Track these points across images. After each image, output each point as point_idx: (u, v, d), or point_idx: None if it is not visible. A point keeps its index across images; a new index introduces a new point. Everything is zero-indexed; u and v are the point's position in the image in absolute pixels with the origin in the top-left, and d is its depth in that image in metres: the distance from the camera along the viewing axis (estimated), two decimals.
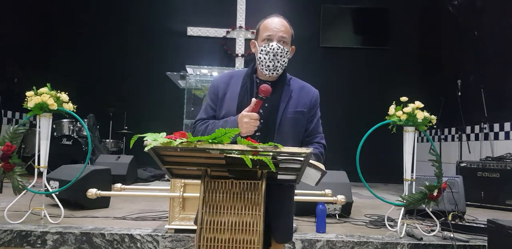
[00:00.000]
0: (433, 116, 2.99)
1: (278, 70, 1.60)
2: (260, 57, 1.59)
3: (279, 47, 1.57)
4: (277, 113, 1.58)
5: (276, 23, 1.61)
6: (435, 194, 2.87)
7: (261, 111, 1.55)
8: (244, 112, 1.50)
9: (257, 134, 1.56)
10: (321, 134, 1.70)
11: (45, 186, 3.10)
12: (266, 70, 1.59)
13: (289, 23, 1.66)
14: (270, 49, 1.57)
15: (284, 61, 1.60)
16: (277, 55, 1.57)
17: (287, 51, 1.61)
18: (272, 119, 1.57)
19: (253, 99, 1.52)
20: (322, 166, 1.46)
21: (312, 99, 1.69)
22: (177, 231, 2.79)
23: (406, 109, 2.95)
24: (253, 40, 1.68)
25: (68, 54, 7.71)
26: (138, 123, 7.10)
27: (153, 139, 1.17)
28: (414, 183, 3.10)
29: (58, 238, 2.74)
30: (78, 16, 7.78)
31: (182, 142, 1.16)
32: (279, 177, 1.44)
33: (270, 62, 1.58)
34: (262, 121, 1.54)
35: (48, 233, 2.74)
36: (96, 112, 6.58)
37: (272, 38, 1.59)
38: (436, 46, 7.51)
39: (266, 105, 1.57)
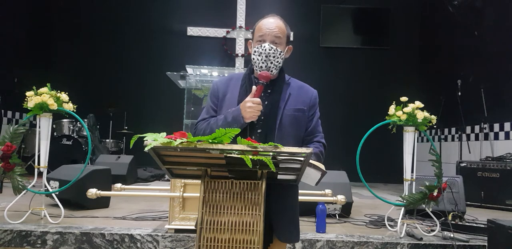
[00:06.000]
0: (433, 116, 2.99)
1: (271, 71, 1.60)
2: (253, 58, 1.61)
3: (271, 48, 1.58)
4: (277, 110, 1.59)
5: (269, 24, 1.61)
6: (435, 194, 2.87)
7: (261, 108, 1.55)
8: (246, 98, 1.52)
9: (258, 131, 1.57)
10: (321, 133, 1.71)
11: (45, 186, 3.10)
12: (260, 70, 1.60)
13: (285, 23, 1.66)
14: (263, 50, 1.58)
15: (277, 61, 1.60)
16: (270, 56, 1.58)
17: (280, 52, 1.61)
18: (273, 117, 1.58)
19: (254, 87, 1.54)
20: (322, 166, 1.46)
21: (311, 98, 1.70)
22: (177, 231, 2.79)
23: (406, 109, 2.95)
24: (250, 41, 1.69)
25: (68, 54, 7.71)
26: (138, 123, 7.11)
27: (153, 139, 1.17)
28: (414, 183, 3.10)
29: (58, 238, 2.74)
30: (78, 16, 7.78)
31: (182, 142, 1.16)
32: (279, 177, 1.44)
33: (262, 63, 1.59)
34: (262, 118, 1.55)
35: (48, 233, 2.74)
36: (96, 112, 6.58)
37: (264, 39, 1.60)
38: (436, 46, 7.51)
39: (266, 103, 1.58)
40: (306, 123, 1.66)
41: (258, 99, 1.50)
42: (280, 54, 1.60)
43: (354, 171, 3.05)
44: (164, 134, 1.21)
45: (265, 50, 1.57)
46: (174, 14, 7.87)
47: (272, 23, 1.61)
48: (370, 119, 3.56)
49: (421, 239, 2.80)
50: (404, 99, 2.99)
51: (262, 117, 1.55)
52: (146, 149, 1.16)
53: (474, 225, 3.05)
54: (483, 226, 2.94)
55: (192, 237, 2.73)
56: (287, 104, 1.62)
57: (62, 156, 5.57)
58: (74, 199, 3.50)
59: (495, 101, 5.36)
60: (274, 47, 1.58)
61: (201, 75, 4.90)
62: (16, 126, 2.99)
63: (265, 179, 1.31)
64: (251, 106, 1.49)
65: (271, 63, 1.59)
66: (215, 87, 1.70)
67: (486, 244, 2.55)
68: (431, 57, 7.72)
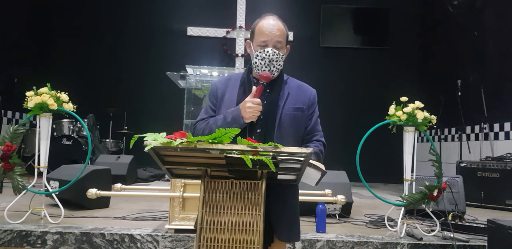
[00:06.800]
0: (433, 116, 2.99)
1: (274, 74, 1.61)
2: (255, 62, 1.60)
3: (275, 52, 1.58)
4: (276, 110, 1.59)
5: (271, 27, 1.59)
6: (435, 194, 2.87)
7: (261, 109, 1.55)
8: (246, 99, 1.52)
9: (257, 131, 1.57)
10: (320, 132, 1.71)
11: (45, 186, 3.10)
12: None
13: (284, 23, 1.65)
14: (266, 55, 1.57)
15: (279, 64, 1.61)
16: (273, 60, 1.58)
17: (282, 55, 1.61)
18: (272, 116, 1.58)
19: (254, 87, 1.54)
20: (322, 166, 1.46)
21: (310, 97, 1.70)
22: (177, 231, 2.79)
23: (406, 109, 2.95)
24: (248, 41, 1.68)
25: (68, 54, 7.71)
26: (138, 123, 7.10)
27: (153, 139, 1.17)
28: (414, 183, 3.10)
29: (58, 238, 2.74)
30: (78, 16, 7.78)
31: (182, 142, 1.16)
32: (279, 177, 1.44)
33: (266, 67, 1.59)
34: (261, 117, 1.55)
35: (48, 233, 2.74)
36: (96, 112, 6.58)
37: (267, 44, 1.59)
38: (436, 46, 7.51)
39: (265, 102, 1.58)
40: (305, 122, 1.66)
41: (258, 100, 1.51)
42: (282, 57, 1.61)
43: (354, 171, 3.04)
44: (164, 134, 1.21)
45: (269, 55, 1.57)
46: (174, 14, 7.87)
47: (273, 26, 1.60)
48: (370, 119, 3.56)
49: (421, 239, 2.80)
50: (404, 99, 2.99)
51: (261, 117, 1.55)
52: (146, 149, 1.16)
53: (474, 225, 3.05)
54: (483, 226, 2.94)
55: (192, 237, 2.73)
56: (286, 103, 1.62)
57: (62, 156, 5.57)
58: (74, 199, 3.50)
59: (495, 101, 5.36)
60: (277, 52, 1.58)
61: (201, 75, 4.90)
62: (16, 126, 2.99)
63: (265, 179, 1.31)
64: (251, 106, 1.49)
65: (274, 66, 1.60)
66: (214, 87, 1.70)
67: (486, 244, 2.55)
68: (431, 57, 7.72)
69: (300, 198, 3.17)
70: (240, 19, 7.72)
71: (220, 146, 1.17)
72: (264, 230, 1.28)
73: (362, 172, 2.93)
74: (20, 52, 6.78)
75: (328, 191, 3.27)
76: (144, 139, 1.17)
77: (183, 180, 2.82)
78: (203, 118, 1.66)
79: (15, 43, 6.66)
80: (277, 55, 1.58)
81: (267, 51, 1.57)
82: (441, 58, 7.26)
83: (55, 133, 6.11)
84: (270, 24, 1.60)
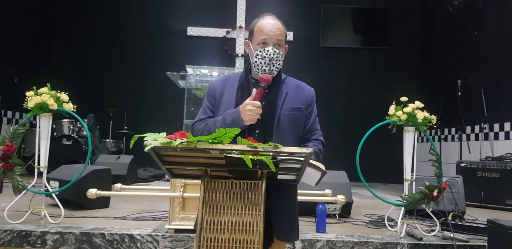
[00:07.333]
0: (433, 116, 2.99)
1: (274, 73, 1.61)
2: (256, 61, 1.60)
3: (275, 51, 1.58)
4: (275, 110, 1.59)
5: (271, 26, 1.60)
6: (435, 194, 2.87)
7: (261, 112, 1.55)
8: (246, 101, 1.52)
9: (256, 131, 1.57)
10: (319, 131, 1.70)
11: (45, 186, 3.10)
12: (262, 73, 1.60)
13: (282, 23, 1.65)
14: (266, 54, 1.57)
15: (279, 64, 1.61)
16: (273, 59, 1.58)
17: (282, 55, 1.61)
18: (271, 117, 1.57)
19: (254, 89, 1.54)
20: (322, 166, 1.46)
21: (308, 96, 1.69)
22: (177, 231, 2.79)
23: (406, 109, 2.95)
24: (247, 40, 1.67)
25: (68, 54, 7.72)
26: (138, 123, 7.11)
27: (153, 139, 1.17)
28: (414, 183, 3.10)
29: (58, 238, 2.74)
30: (78, 16, 7.79)
31: (182, 142, 1.16)
32: (279, 177, 1.44)
33: (266, 66, 1.59)
34: (260, 118, 1.55)
35: (48, 233, 2.74)
36: (96, 112, 6.58)
37: (267, 42, 1.59)
38: (436, 46, 7.51)
39: (264, 103, 1.57)
40: (304, 121, 1.66)
41: (258, 102, 1.50)
42: (282, 57, 1.61)
43: (354, 171, 3.04)
44: (164, 134, 1.21)
45: (269, 54, 1.57)
46: (174, 14, 7.88)
47: (273, 25, 1.60)
48: (370, 119, 3.56)
49: (421, 239, 2.80)
50: (404, 99, 2.99)
51: (260, 117, 1.54)
52: (146, 149, 1.16)
53: (474, 225, 3.05)
54: (483, 226, 2.94)
55: (192, 237, 2.73)
56: (285, 103, 1.61)
57: (62, 156, 5.57)
58: (74, 199, 3.50)
59: (495, 101, 5.36)
60: (277, 51, 1.58)
61: (201, 75, 4.90)
62: (16, 126, 2.99)
63: (265, 179, 1.31)
64: (251, 109, 1.49)
65: (273, 65, 1.59)
66: (211, 87, 1.69)
67: (486, 244, 2.55)
68: (431, 57, 7.72)
69: (300, 198, 3.16)
70: (240, 19, 7.72)
71: (220, 146, 1.17)
72: (264, 230, 1.28)
73: (362, 172, 2.93)
74: (20, 52, 6.78)
75: (328, 191, 3.27)
76: (144, 139, 1.17)
77: (183, 180, 2.82)
78: (201, 118, 1.66)
79: (15, 43, 6.66)
80: (277, 54, 1.58)
81: (268, 50, 1.57)
82: (441, 58, 7.26)
83: (55, 133, 6.11)
84: (270, 23, 1.61)
